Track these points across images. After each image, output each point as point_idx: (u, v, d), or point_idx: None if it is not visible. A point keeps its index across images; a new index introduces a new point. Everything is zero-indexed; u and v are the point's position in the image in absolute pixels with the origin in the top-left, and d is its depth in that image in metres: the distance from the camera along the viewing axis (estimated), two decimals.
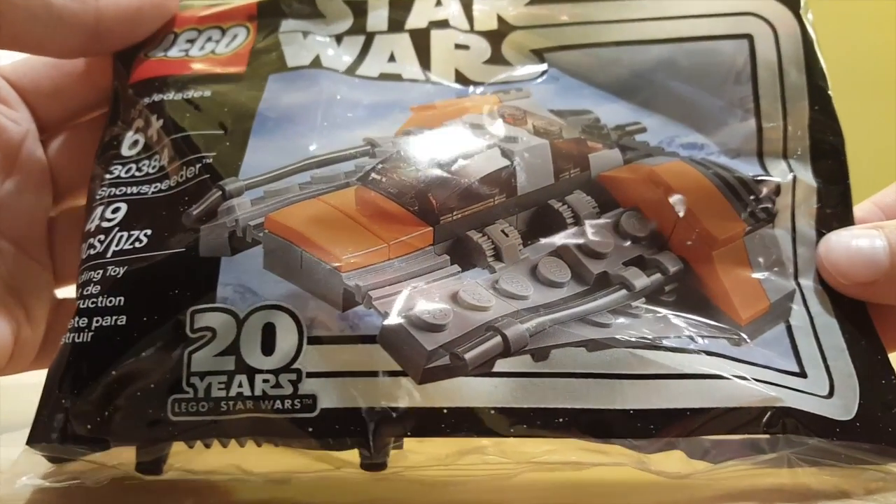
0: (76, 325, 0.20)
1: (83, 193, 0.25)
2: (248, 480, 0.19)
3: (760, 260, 0.23)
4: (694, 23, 0.25)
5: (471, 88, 0.24)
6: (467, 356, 0.18)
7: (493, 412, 0.18)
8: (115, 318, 0.19)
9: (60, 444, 0.19)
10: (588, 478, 0.21)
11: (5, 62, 0.25)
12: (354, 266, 0.19)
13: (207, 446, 0.19)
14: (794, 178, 0.23)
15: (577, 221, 0.22)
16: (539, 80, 0.24)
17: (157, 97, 0.24)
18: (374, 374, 0.18)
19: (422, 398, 0.18)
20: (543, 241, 0.22)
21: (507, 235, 0.21)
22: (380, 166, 0.21)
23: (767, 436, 0.19)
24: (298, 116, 0.22)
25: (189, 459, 0.19)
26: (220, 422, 0.18)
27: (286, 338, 0.18)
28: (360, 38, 0.25)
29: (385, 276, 0.20)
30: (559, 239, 0.22)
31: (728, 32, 0.24)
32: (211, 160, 0.22)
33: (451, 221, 0.21)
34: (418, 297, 0.19)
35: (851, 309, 0.22)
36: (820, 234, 0.23)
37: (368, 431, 0.18)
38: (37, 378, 0.24)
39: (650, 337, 0.20)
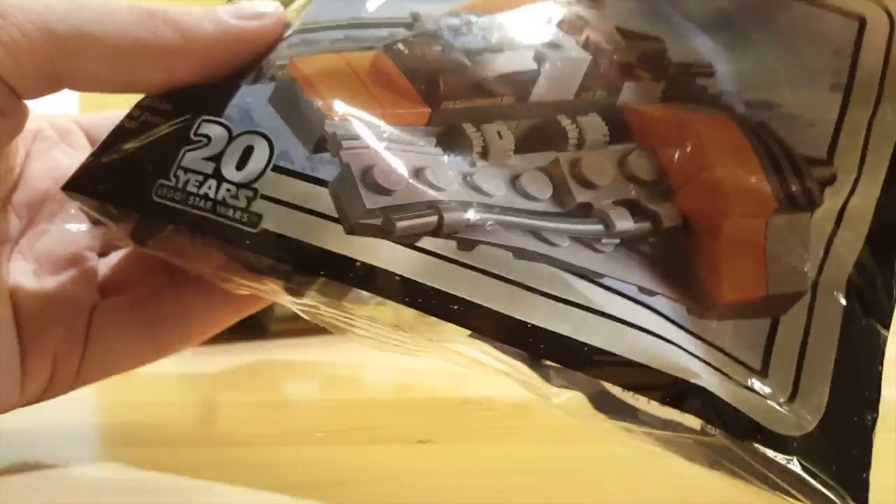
0: (130, 114, 0.23)
1: None
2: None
3: (780, 247, 0.20)
4: None
5: None
6: (399, 224, 0.19)
7: (397, 278, 0.19)
8: (158, 118, 0.23)
9: (87, 195, 0.23)
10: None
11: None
12: (341, 117, 0.21)
13: (175, 231, 0.21)
14: (861, 174, 0.20)
15: (581, 144, 0.21)
16: None
17: None
18: (313, 213, 0.20)
19: (343, 246, 0.19)
20: (538, 154, 0.21)
21: (501, 137, 0.21)
22: (408, 39, 0.22)
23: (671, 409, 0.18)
24: None
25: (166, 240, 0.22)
26: (186, 212, 0.21)
27: (257, 160, 0.20)
28: None
29: (361, 131, 0.21)
30: (554, 156, 0.21)
31: (840, 7, 0.22)
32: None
33: (451, 108, 0.21)
34: (383, 161, 0.20)
35: (862, 337, 0.19)
36: (868, 250, 0.20)
37: (292, 260, 0.20)
38: None
39: (596, 272, 0.19)
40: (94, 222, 0.24)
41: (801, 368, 0.19)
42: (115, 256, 0.26)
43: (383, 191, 0.20)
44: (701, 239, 0.20)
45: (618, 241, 0.20)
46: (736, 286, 0.20)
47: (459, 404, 0.31)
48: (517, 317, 0.18)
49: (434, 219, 0.19)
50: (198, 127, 0.21)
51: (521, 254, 0.19)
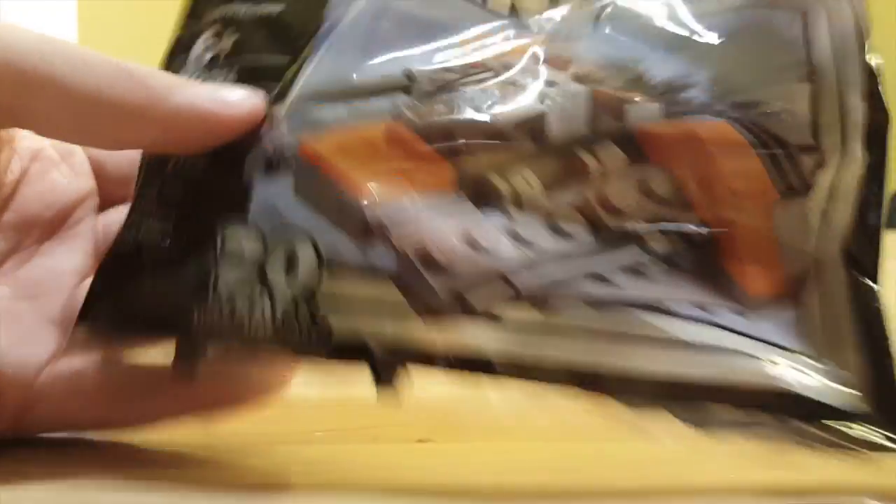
0: (128, 223, 0.21)
1: None
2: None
3: (784, 232, 0.23)
4: None
5: (522, 22, 0.24)
6: (474, 300, 0.20)
7: (490, 355, 0.19)
8: (160, 225, 0.21)
9: (103, 327, 0.21)
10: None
11: None
12: (377, 199, 0.20)
13: (227, 352, 0.20)
14: (843, 153, 0.23)
15: (603, 174, 0.22)
16: (592, 25, 0.24)
17: (231, 10, 0.24)
18: (383, 306, 0.19)
19: (425, 335, 0.19)
20: (565, 191, 0.22)
21: (528, 183, 0.22)
22: (414, 105, 0.22)
23: (763, 413, 0.20)
24: (348, 36, 0.23)
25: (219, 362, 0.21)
26: (241, 334, 0.20)
27: (306, 264, 0.20)
28: None
29: (402, 210, 0.20)
30: (580, 190, 0.22)
31: (784, 3, 0.23)
32: (277, 90, 0.22)
33: (473, 163, 0.21)
34: (432, 236, 0.20)
35: (866, 298, 0.22)
36: (858, 217, 0.23)
37: (374, 359, 0.19)
38: None
39: (657, 300, 0.21)
40: (107, 343, 0.22)
41: (833, 340, 0.22)
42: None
43: (446, 269, 0.20)
44: (722, 241, 0.22)
45: (661, 263, 0.21)
46: (760, 278, 0.22)
47: (459, 404, 0.32)
48: (617, 366, 0.19)
49: (506, 287, 0.20)
50: (223, 236, 0.20)
51: (597, 302, 0.20)
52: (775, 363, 0.21)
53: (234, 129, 0.21)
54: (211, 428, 0.27)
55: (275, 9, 0.24)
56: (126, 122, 0.20)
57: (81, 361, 0.23)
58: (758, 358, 0.20)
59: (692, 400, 0.20)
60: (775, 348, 0.21)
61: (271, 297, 0.19)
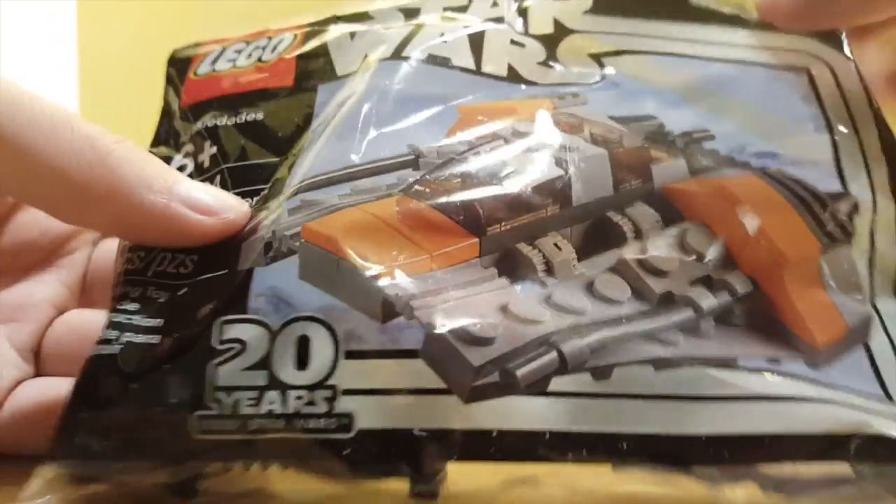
0: (105, 337, 0.18)
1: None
2: None
3: (835, 282, 0.21)
4: (754, 52, 0.24)
5: (523, 87, 0.23)
6: (519, 373, 0.17)
7: (548, 436, 0.16)
8: (148, 336, 0.18)
9: (81, 460, 0.17)
10: None
11: None
12: (395, 275, 0.18)
13: (228, 470, 0.17)
14: (875, 195, 0.22)
15: (639, 235, 0.20)
16: (597, 84, 0.23)
17: (209, 122, 0.23)
18: (415, 391, 0.17)
19: (468, 419, 0.16)
20: (601, 256, 0.20)
21: (560, 249, 0.20)
22: (424, 178, 0.20)
23: (854, 465, 0.17)
24: (343, 122, 0.22)
25: (221, 482, 0.17)
26: (249, 441, 0.16)
27: (321, 352, 0.17)
28: (410, 26, 0.24)
29: (428, 286, 0.18)
30: (618, 254, 0.20)
31: (786, 63, 0.23)
32: (268, 191, 0.21)
33: (498, 232, 0.19)
34: (464, 309, 0.18)
35: None
36: None
37: (409, 455, 0.16)
38: None
39: (723, 356, 0.18)
40: (82, 481, 0.18)
41: None
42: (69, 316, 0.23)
43: (482, 341, 0.17)
44: (772, 296, 0.20)
45: (712, 321, 0.19)
46: (822, 329, 0.20)
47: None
48: (689, 433, 0.16)
49: (554, 355, 0.17)
50: (220, 332, 0.17)
51: (658, 362, 0.17)
52: (858, 409, 0.18)
53: (211, 237, 0.19)
54: None
55: (257, 115, 0.23)
56: (87, 206, 0.19)
57: (46, 383, 0.22)
58: (840, 404, 0.18)
59: (773, 459, 0.17)
60: (856, 394, 0.18)
61: (280, 388, 0.16)
